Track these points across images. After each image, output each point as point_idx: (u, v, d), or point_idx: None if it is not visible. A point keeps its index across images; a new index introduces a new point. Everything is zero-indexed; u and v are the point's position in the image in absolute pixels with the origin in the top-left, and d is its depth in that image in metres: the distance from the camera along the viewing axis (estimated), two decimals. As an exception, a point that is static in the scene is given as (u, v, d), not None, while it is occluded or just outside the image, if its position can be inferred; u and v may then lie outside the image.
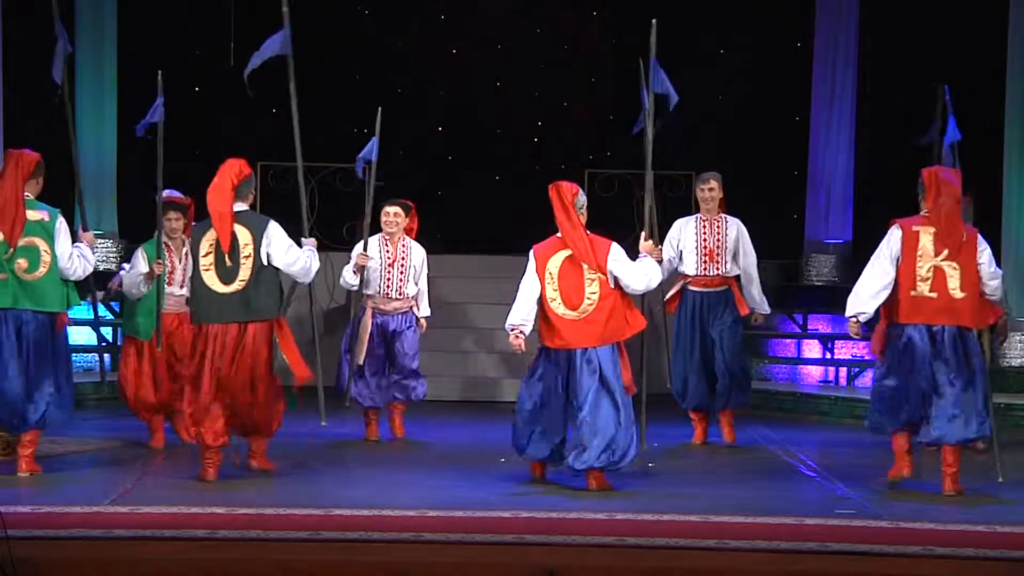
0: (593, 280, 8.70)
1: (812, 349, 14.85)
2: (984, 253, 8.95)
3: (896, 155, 13.64)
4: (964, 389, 8.79)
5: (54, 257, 8.87)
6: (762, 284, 15.55)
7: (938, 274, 8.86)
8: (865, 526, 7.71)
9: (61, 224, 8.96)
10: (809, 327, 15.10)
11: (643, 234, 9.38)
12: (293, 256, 8.89)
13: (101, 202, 14.58)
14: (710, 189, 10.68)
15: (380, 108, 10.29)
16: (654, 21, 10.12)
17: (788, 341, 14.99)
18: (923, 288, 8.87)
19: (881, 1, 15.24)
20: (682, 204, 13.90)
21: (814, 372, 14.60)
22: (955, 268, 8.85)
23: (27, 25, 13.95)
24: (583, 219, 8.81)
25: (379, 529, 7.39)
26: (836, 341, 14.66)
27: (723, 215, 10.79)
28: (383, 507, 7.84)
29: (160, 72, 9.87)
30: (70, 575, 6.76)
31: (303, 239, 9.31)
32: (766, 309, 11.01)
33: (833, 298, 15.02)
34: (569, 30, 15.79)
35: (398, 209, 10.77)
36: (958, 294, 8.86)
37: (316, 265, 9.10)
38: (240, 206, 8.81)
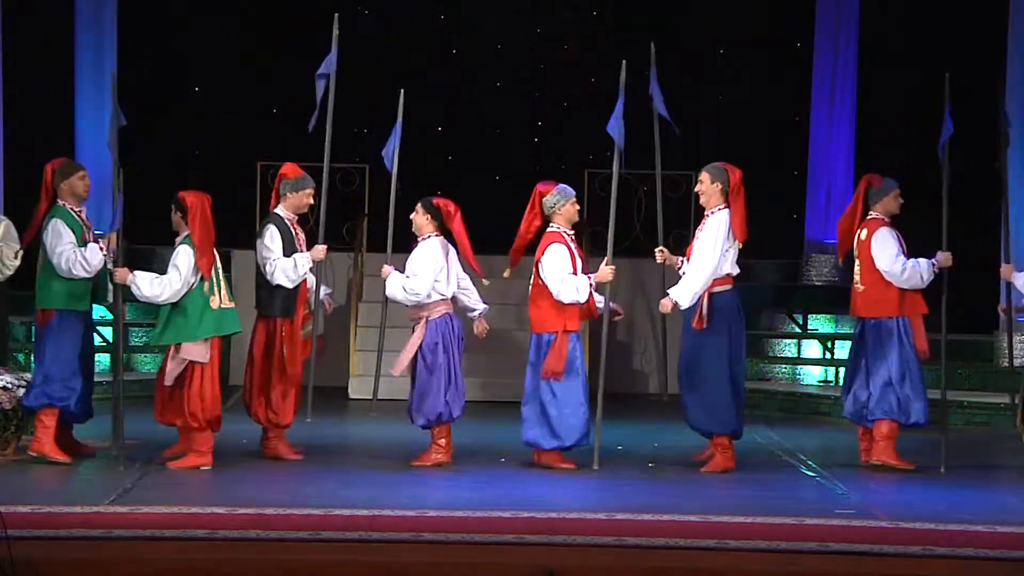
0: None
1: (812, 349, 14.85)
2: (875, 247, 9.53)
3: (896, 155, 13.67)
4: (875, 374, 9.55)
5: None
6: (762, 285, 15.62)
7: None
8: (865, 526, 7.70)
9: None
10: (809, 327, 15.10)
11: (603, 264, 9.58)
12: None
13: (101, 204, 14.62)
14: (699, 182, 9.85)
15: (402, 90, 10.27)
16: (652, 45, 10.16)
17: (788, 341, 15.00)
18: (855, 281, 9.88)
19: (883, 4, 15.24)
20: (682, 204, 13.91)
21: (814, 371, 14.60)
22: (858, 264, 9.70)
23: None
24: (556, 218, 9.42)
25: (379, 529, 7.39)
26: (836, 341, 14.67)
27: (712, 210, 9.73)
28: (383, 507, 7.84)
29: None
30: (70, 575, 6.75)
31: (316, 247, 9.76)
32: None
33: (833, 298, 15.05)
34: (569, 30, 15.78)
35: (421, 209, 10.76)
36: (859, 287, 9.78)
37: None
38: None
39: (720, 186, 9.53)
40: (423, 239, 9.74)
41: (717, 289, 9.50)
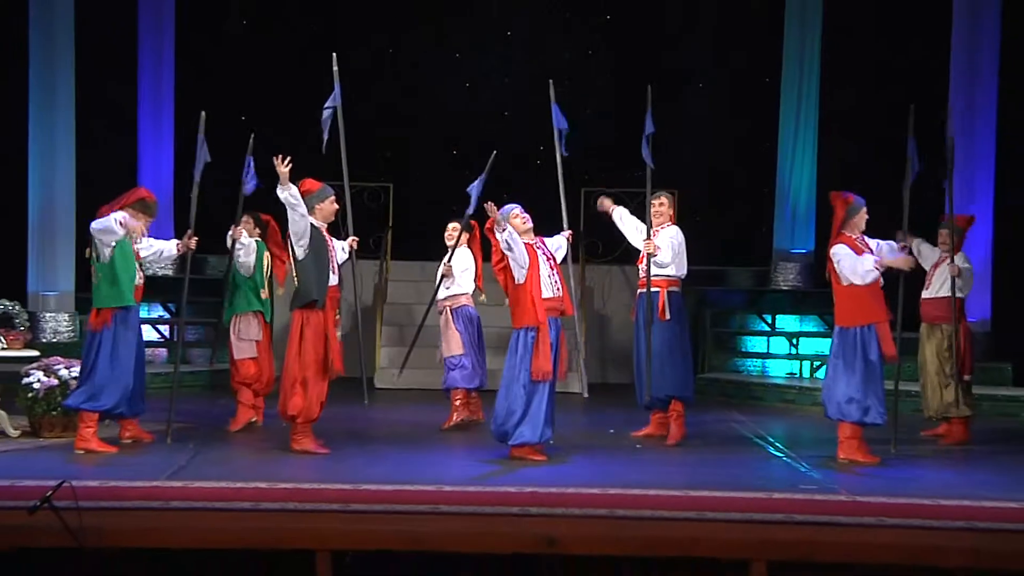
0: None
1: (779, 345, 14.83)
2: (835, 261, 9.27)
3: (854, 176, 13.63)
4: (839, 379, 9.27)
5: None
6: (736, 289, 15.64)
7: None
8: (826, 499, 7.70)
9: None
10: (777, 326, 15.09)
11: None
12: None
13: (162, 216, 14.68)
14: (660, 204, 10.28)
15: (495, 152, 10.39)
16: (649, 87, 10.17)
17: (758, 338, 14.98)
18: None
19: (841, 47, 15.23)
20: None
21: (781, 366, 14.59)
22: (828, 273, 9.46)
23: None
24: (519, 227, 9.13)
25: (400, 502, 7.37)
26: (800, 338, 14.66)
27: (664, 225, 10.25)
28: (404, 482, 7.83)
29: (204, 113, 9.93)
30: (131, 541, 6.75)
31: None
32: None
33: (798, 300, 15.05)
34: (569, 69, 15.78)
35: (456, 224, 10.89)
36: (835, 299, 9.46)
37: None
38: None
39: (672, 210, 10.25)
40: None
41: (672, 289, 10.10)
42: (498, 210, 9.04)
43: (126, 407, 9.21)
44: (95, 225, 9.02)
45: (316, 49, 15.53)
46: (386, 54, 16.07)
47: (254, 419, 10.46)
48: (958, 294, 10.38)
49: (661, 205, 10.24)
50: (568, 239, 10.06)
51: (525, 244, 9.00)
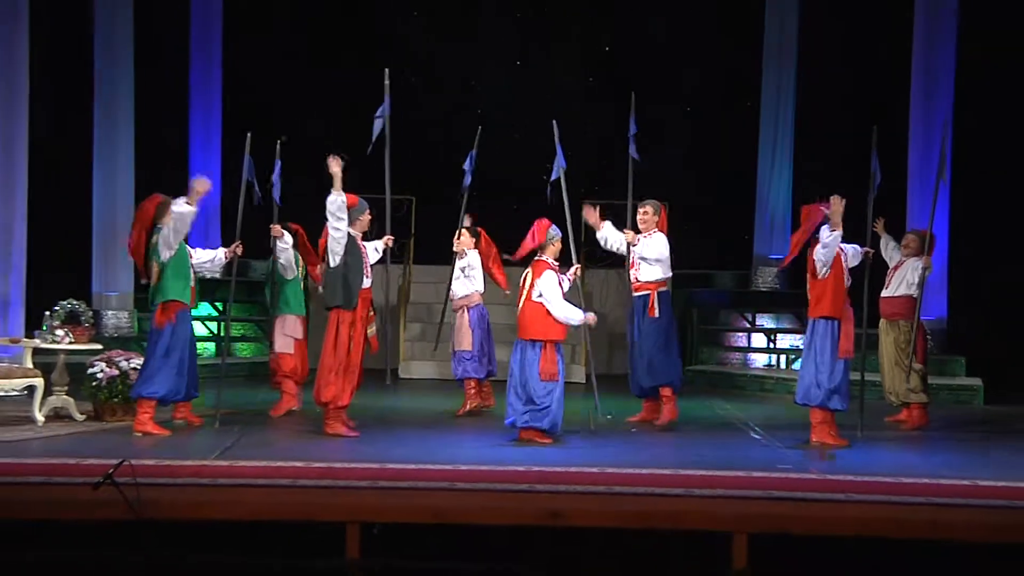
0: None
1: (759, 340, 14.82)
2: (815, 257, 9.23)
3: (825, 189, 13.59)
4: (810, 368, 9.21)
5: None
6: (721, 290, 15.61)
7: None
8: (799, 478, 7.68)
9: None
10: (756, 323, 15.07)
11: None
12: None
13: (209, 223, 14.75)
14: (644, 212, 10.23)
15: (480, 127, 10.95)
16: (633, 94, 10.19)
17: (740, 334, 14.97)
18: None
19: (813, 76, 15.21)
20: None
21: (761, 358, 14.57)
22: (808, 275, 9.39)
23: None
24: (548, 249, 9.14)
25: (421, 479, 7.38)
26: (778, 334, 14.64)
27: (649, 232, 10.21)
28: (424, 462, 7.84)
29: (248, 134, 9.96)
30: (182, 513, 6.76)
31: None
32: None
33: (775, 301, 15.02)
34: (570, 96, 15.79)
35: (466, 231, 11.01)
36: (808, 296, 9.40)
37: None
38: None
39: (657, 218, 10.13)
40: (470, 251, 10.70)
41: (661, 289, 10.06)
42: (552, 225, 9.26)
43: (182, 394, 9.25)
44: (177, 211, 8.89)
45: (345, 76, 15.64)
46: (408, 83, 16.08)
47: (294, 407, 10.48)
48: (912, 292, 10.38)
49: (645, 214, 10.17)
50: (571, 278, 9.53)
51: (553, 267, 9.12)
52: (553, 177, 10.27)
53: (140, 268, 9.24)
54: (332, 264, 9.12)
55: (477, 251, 10.98)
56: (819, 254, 9.10)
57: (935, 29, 13.31)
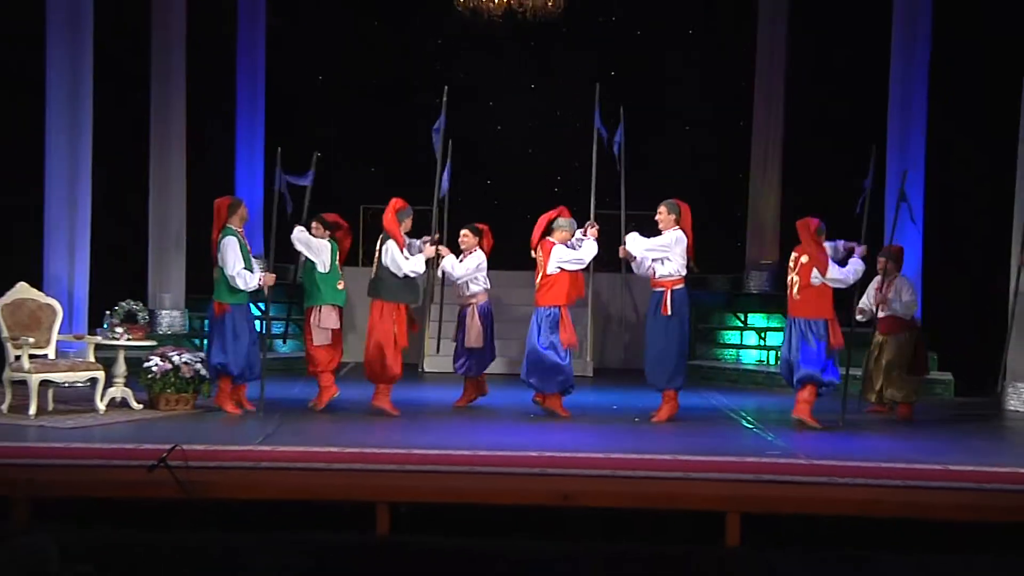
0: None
1: (750, 338, 14.78)
2: (824, 268, 9.32)
3: (813, 200, 13.58)
4: (807, 351, 9.34)
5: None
6: (716, 292, 15.55)
7: (793, 282, 9.52)
8: (788, 462, 7.68)
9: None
10: (748, 322, 15.03)
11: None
12: (395, 264, 9.66)
13: (253, 230, 14.76)
14: (658, 213, 10.00)
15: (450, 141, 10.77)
16: (622, 108, 10.23)
17: (733, 332, 14.93)
18: (792, 292, 9.55)
19: (800, 96, 15.17)
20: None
21: (752, 354, 14.53)
22: (797, 279, 9.43)
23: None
24: (556, 233, 9.75)
25: (444, 463, 7.40)
26: (768, 332, 14.60)
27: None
28: (446, 448, 7.84)
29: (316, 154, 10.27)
30: (229, 493, 6.79)
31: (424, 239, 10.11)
32: None
33: (765, 302, 14.97)
34: (574, 115, 15.77)
35: (468, 231, 10.83)
36: (796, 297, 9.42)
37: (408, 266, 9.70)
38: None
39: (674, 216, 9.77)
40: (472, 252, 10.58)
41: (676, 287, 9.68)
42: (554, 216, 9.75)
43: (248, 374, 9.59)
44: (241, 278, 9.43)
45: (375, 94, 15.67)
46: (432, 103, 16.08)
47: (335, 394, 10.34)
48: (904, 311, 10.30)
49: (660, 214, 9.85)
50: (592, 234, 10.07)
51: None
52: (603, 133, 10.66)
53: (214, 256, 9.54)
54: (399, 276, 9.66)
55: (481, 249, 10.88)
56: (834, 278, 9.36)
57: (911, 53, 13.22)
